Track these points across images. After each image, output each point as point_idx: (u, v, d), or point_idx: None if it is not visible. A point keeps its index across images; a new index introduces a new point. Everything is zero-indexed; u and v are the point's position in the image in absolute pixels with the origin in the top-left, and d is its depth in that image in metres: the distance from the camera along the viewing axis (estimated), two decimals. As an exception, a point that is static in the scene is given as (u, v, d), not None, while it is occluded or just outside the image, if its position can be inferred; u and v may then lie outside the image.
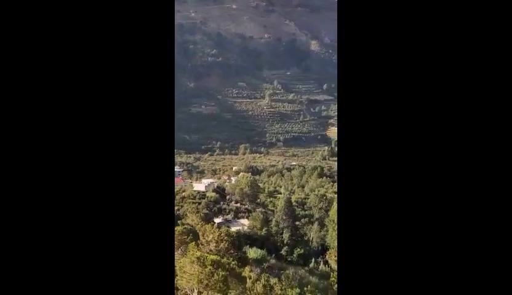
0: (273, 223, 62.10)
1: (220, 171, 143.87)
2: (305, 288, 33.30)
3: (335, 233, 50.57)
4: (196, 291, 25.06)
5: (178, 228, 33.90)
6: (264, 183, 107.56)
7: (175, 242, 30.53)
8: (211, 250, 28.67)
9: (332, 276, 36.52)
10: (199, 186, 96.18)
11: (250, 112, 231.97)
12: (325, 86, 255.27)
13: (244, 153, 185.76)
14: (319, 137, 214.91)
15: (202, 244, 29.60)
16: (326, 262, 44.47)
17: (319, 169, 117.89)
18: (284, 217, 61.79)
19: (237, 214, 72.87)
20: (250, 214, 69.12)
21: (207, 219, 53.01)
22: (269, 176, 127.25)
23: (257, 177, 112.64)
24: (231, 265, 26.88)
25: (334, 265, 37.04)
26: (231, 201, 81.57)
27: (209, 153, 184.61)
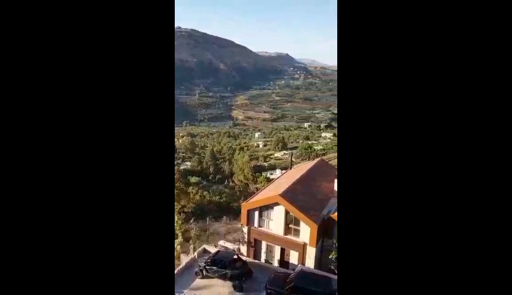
0: (204, 163, 62.38)
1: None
2: (222, 195, 33.82)
3: (237, 166, 51.52)
4: (162, 202, 24.61)
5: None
6: (198, 142, 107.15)
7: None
8: (169, 179, 28.00)
9: (235, 188, 37.44)
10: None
11: (188, 103, 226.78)
12: (228, 88, 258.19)
13: (186, 126, 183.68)
14: (227, 116, 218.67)
15: (164, 177, 28.75)
16: (233, 181, 45.24)
17: (227, 133, 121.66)
18: (210, 159, 62.26)
19: (184, 159, 72.40)
20: (190, 159, 68.72)
21: (166, 163, 51.38)
22: (201, 137, 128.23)
23: (194, 138, 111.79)
24: (181, 186, 26.53)
25: (237, 182, 37.92)
26: (180, 153, 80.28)
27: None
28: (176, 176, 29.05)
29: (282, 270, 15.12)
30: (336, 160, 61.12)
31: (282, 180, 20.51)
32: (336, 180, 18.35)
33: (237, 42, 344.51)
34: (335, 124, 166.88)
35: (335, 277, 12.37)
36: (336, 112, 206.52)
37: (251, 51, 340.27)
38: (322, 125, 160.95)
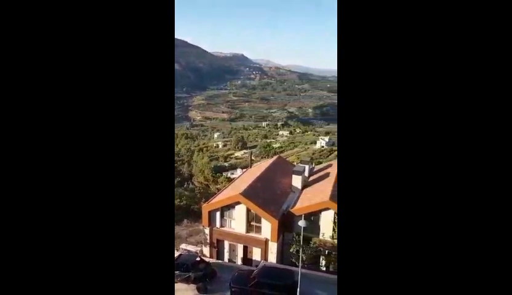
0: (161, 166, 60.42)
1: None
2: (182, 198, 33.01)
3: (196, 168, 50.60)
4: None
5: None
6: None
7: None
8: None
9: (195, 190, 36.73)
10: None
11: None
12: (184, 89, 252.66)
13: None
14: (184, 117, 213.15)
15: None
16: (193, 183, 44.35)
17: (185, 135, 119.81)
18: (168, 162, 60.55)
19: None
20: (147, 163, 66.31)
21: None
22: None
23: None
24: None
25: (197, 184, 37.19)
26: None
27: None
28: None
29: (246, 267, 15.22)
30: (293, 156, 62.99)
31: (243, 179, 20.62)
32: (293, 176, 18.94)
33: (190, 42, 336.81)
34: (291, 122, 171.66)
35: (297, 269, 12.77)
36: (291, 110, 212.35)
37: (206, 51, 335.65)
38: (279, 124, 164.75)
